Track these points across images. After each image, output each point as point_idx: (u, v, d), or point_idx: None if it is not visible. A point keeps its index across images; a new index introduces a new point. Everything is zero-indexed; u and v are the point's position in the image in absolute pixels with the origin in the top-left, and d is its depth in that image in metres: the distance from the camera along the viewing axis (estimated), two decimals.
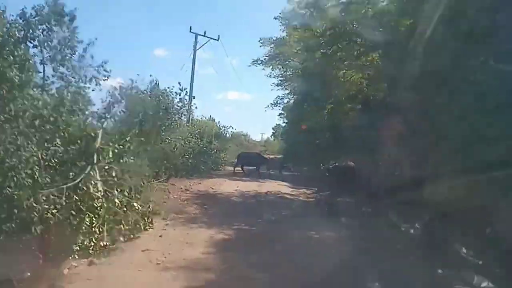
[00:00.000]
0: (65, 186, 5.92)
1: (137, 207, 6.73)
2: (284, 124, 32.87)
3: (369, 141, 10.48)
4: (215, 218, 7.80)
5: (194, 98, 19.93)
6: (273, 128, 57.57)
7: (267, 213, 8.57)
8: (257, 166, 17.74)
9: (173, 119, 15.44)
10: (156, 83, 15.93)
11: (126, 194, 6.79)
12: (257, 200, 10.30)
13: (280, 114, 31.64)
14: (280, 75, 25.72)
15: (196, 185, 12.03)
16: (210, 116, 22.96)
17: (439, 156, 8.61)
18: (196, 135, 16.77)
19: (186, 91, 16.27)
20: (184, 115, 16.76)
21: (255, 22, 50.35)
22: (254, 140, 40.66)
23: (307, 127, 19.81)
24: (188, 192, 10.49)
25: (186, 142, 15.54)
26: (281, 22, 20.86)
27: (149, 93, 15.34)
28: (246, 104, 62.62)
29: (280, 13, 20.53)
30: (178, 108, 15.86)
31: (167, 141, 14.42)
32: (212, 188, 11.47)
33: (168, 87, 15.54)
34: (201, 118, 22.46)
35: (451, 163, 7.73)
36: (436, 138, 8.72)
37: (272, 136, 56.85)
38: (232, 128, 22.02)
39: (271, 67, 24.95)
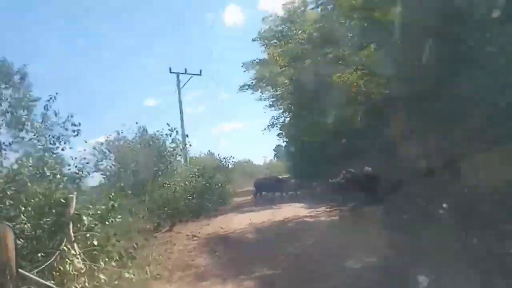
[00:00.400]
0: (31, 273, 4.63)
1: (130, 276, 5.30)
2: (284, 143, 31.64)
3: (383, 141, 9.20)
4: (230, 267, 6.34)
5: (187, 136, 18.71)
6: (274, 149, 56.45)
7: (291, 247, 7.09)
8: (276, 190, 16.38)
9: (169, 161, 14.24)
10: (144, 130, 14.90)
11: (114, 264, 5.41)
12: (275, 232, 8.80)
13: (278, 134, 30.49)
14: (271, 96, 24.78)
15: (204, 227, 10.55)
16: (209, 151, 21.77)
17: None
18: (196, 173, 15.40)
19: (177, 131, 15.13)
20: (179, 155, 15.52)
21: (237, 50, 50.24)
22: (257, 165, 39.17)
23: (309, 141, 18.60)
24: (195, 238, 9.02)
25: (187, 183, 14.18)
26: (260, 42, 20.17)
27: (137, 140, 14.28)
28: (243, 132, 61.80)
29: (258, 35, 19.92)
30: (172, 149, 14.71)
31: (166, 186, 13.13)
32: (222, 228, 9.98)
33: (158, 131, 14.53)
34: (199, 155, 21.28)
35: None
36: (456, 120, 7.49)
37: (275, 157, 55.65)
38: (233, 158, 20.67)
39: (259, 90, 24.08)
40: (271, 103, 24.80)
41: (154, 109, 42.90)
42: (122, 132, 14.03)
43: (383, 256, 5.93)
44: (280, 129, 27.90)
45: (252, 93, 24.23)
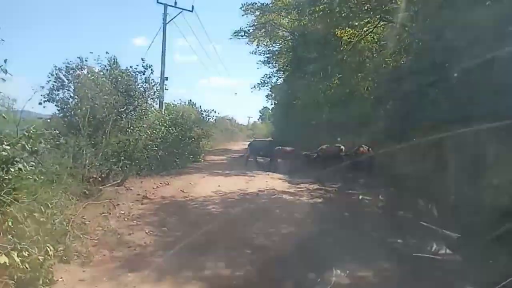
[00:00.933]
0: None
1: (18, 261, 3.46)
2: (272, 106, 29.75)
3: (398, 118, 7.43)
4: (175, 253, 4.62)
5: (167, 79, 16.34)
6: (260, 111, 54.56)
7: (260, 235, 5.44)
8: (272, 156, 13.56)
9: (138, 103, 12.13)
10: (114, 61, 12.52)
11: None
12: (244, 208, 7.10)
13: (267, 95, 28.43)
14: (267, 51, 22.32)
15: (163, 187, 8.76)
16: (190, 100, 19.42)
17: None
18: (167, 122, 13.39)
19: (152, 69, 12.84)
20: (152, 98, 13.33)
21: None
22: (240, 124, 37.22)
23: (300, 106, 16.72)
24: (146, 200, 7.24)
25: (155, 131, 12.19)
26: None
27: (104, 73, 11.96)
28: (231, 88, 59.24)
29: None
30: (143, 90, 12.53)
31: (129, 131, 11.14)
32: (183, 192, 8.18)
33: (131, 66, 12.24)
34: (180, 103, 19.05)
35: None
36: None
37: (260, 119, 53.94)
38: (215, 112, 18.39)
39: (255, 41, 21.52)
40: (266, 58, 22.40)
41: (144, 49, 39.25)
42: (86, 60, 11.60)
43: (381, 270, 4.37)
44: (270, 90, 25.81)
45: (247, 43, 21.64)
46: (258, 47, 22.18)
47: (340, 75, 13.11)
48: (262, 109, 54.44)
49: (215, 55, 34.84)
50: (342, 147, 11.72)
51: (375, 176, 8.75)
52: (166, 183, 9.09)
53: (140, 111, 12.10)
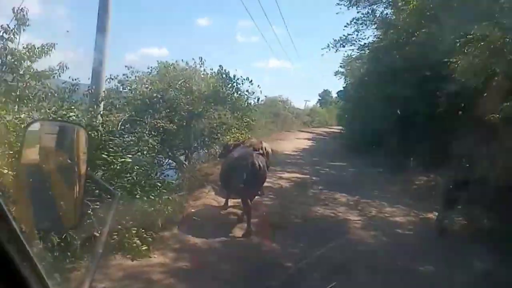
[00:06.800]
0: None
1: None
2: (347, 83, 17.82)
3: None
4: None
5: None
6: (319, 95, 42.81)
7: None
8: None
9: None
10: None
11: None
12: None
13: (337, 72, 16.41)
14: None
15: None
16: (220, 66, 8.57)
17: None
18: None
19: None
20: None
21: None
22: (296, 108, 25.51)
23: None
24: None
25: None
26: None
27: None
28: (288, 71, 48.26)
29: None
30: None
31: None
32: None
33: None
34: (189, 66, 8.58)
35: None
36: None
37: (318, 104, 42.22)
38: (251, 83, 7.75)
39: None
40: None
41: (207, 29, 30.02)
42: None
43: None
44: (361, 49, 13.73)
45: None
46: None
47: None
48: (322, 91, 42.44)
49: (276, 38, 24.48)
50: None
51: None
52: None
53: None
